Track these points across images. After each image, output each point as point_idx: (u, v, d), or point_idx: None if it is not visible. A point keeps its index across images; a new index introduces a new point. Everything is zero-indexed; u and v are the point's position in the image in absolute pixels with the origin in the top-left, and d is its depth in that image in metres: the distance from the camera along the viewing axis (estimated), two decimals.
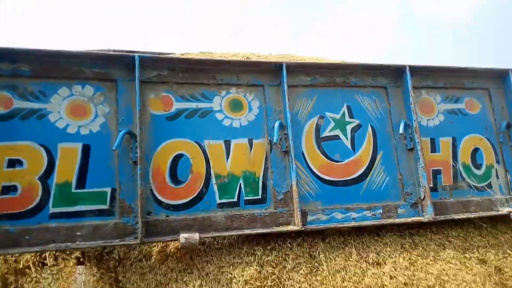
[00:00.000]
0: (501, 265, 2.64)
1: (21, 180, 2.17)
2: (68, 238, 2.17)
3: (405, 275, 2.41)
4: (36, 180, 2.20)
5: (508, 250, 2.76)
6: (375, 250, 2.56)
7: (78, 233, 2.19)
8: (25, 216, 2.16)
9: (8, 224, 2.12)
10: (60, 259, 2.38)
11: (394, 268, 2.45)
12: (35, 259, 2.35)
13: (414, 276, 2.42)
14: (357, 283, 2.32)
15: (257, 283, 2.26)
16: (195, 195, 2.46)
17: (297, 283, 2.31)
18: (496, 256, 2.69)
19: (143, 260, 2.31)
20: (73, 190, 2.25)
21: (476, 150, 3.06)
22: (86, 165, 2.28)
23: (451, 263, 2.55)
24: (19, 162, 2.19)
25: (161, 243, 2.37)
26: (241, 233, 2.41)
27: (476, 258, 2.64)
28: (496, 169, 3.06)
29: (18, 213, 2.15)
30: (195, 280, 2.23)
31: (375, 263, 2.49)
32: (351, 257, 2.50)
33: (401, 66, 2.98)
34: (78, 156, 2.28)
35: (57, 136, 2.27)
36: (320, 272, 2.37)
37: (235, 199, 2.52)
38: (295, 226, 2.50)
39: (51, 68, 2.36)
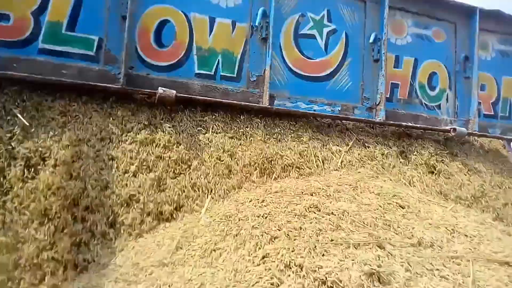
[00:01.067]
0: None
1: (14, 10, 2.30)
2: (54, 74, 2.35)
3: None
4: (29, 14, 2.33)
5: None
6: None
7: (64, 71, 2.38)
8: (15, 45, 2.31)
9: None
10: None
11: None
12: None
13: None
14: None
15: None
16: (176, 60, 2.66)
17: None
18: None
19: None
20: (63, 31, 2.40)
21: (433, 74, 3.39)
22: (78, 9, 2.42)
23: None
24: None
25: (140, 94, 2.58)
26: (214, 100, 2.68)
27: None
28: (447, 94, 3.44)
29: (8, 41, 2.29)
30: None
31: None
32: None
33: None
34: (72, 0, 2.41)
35: None
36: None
37: (212, 73, 2.75)
38: (263, 105, 2.78)
39: None
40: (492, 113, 3.60)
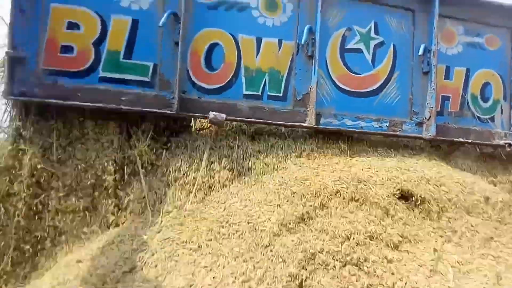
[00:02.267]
0: None
1: (77, 42, 2.46)
2: (114, 101, 2.50)
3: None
4: (90, 44, 2.48)
5: None
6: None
7: (123, 98, 2.52)
8: (79, 75, 2.47)
9: (64, 81, 2.44)
10: None
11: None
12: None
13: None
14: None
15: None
16: (225, 83, 2.74)
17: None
18: None
19: None
20: (121, 59, 2.54)
21: (486, 84, 3.25)
22: (134, 38, 2.55)
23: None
24: (77, 26, 2.46)
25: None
26: (262, 122, 2.73)
27: None
28: (502, 105, 3.28)
29: (73, 72, 2.46)
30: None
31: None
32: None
33: None
34: (128, 29, 2.53)
35: (110, 7, 2.51)
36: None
37: (259, 93, 2.80)
38: (309, 124, 2.80)
39: None
40: None
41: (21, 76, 2.35)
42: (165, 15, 2.53)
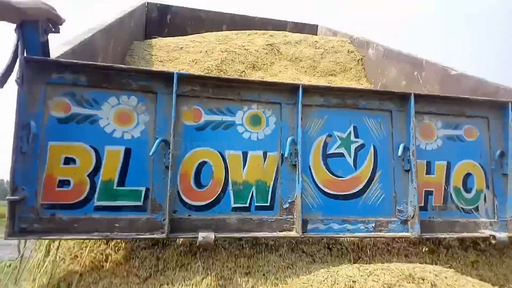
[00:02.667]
0: None
1: (73, 176, 2.64)
2: (108, 229, 2.65)
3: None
4: (86, 176, 2.66)
5: None
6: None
7: (117, 225, 2.67)
8: (75, 207, 2.63)
9: (62, 213, 2.61)
10: None
11: None
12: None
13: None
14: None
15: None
16: (214, 198, 2.89)
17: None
18: None
19: None
20: (114, 187, 2.70)
21: (468, 175, 3.38)
22: (127, 166, 2.73)
23: None
24: (73, 160, 2.65)
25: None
26: (250, 235, 2.85)
27: None
28: (485, 194, 3.39)
29: (70, 204, 2.63)
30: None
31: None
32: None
33: (407, 93, 3.27)
34: (121, 158, 2.72)
35: (104, 139, 2.71)
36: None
37: (247, 205, 2.94)
38: (296, 233, 2.92)
39: (103, 79, 2.77)
40: None
41: (21, 214, 2.52)
42: (155, 143, 2.72)
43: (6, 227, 2.44)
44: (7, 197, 2.43)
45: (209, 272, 2.68)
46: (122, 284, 2.56)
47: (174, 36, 6.87)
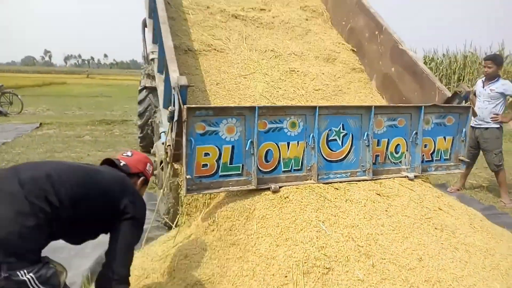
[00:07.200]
0: None
1: (209, 161, 5.24)
2: (226, 186, 5.38)
3: None
4: (214, 161, 5.26)
5: None
6: None
7: (230, 183, 5.40)
8: (211, 176, 5.28)
9: (204, 180, 5.26)
10: None
11: None
12: None
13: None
14: None
15: None
16: (274, 167, 5.66)
17: None
18: None
19: None
20: (228, 165, 5.35)
21: (397, 145, 6.35)
22: (233, 154, 5.36)
23: None
24: (208, 154, 5.23)
25: None
26: (291, 184, 5.73)
27: None
28: (405, 154, 6.44)
29: (208, 175, 5.27)
30: None
31: None
32: None
33: (370, 106, 6.03)
34: (230, 151, 5.33)
35: (222, 142, 5.26)
36: None
37: (289, 169, 5.75)
38: (313, 181, 5.84)
39: (219, 111, 5.22)
40: (430, 159, 6.66)
41: (188, 182, 5.14)
42: (248, 143, 5.35)
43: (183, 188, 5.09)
44: (185, 175, 5.03)
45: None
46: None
47: None
